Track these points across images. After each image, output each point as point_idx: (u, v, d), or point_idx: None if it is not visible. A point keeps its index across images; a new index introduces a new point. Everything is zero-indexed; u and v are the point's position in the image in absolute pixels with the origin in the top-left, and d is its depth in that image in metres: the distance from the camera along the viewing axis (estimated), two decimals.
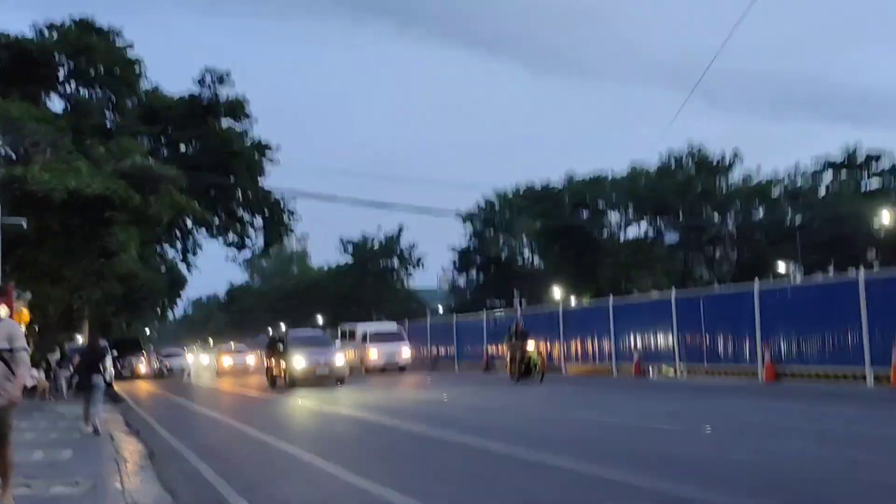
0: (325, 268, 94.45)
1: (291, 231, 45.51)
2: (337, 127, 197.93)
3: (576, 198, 57.58)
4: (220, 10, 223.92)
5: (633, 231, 57.97)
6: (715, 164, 48.50)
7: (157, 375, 37.78)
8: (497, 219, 71.54)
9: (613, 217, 58.00)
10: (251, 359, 49.13)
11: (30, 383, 22.82)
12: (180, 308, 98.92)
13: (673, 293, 23.72)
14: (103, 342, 35.04)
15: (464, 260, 74.68)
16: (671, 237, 55.12)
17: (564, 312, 27.66)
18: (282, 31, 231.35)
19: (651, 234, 55.82)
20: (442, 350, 36.35)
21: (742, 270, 47.94)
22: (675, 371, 22.36)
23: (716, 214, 50.64)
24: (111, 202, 23.46)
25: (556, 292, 61.38)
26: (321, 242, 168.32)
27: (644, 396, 17.85)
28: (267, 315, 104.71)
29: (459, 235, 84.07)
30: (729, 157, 48.81)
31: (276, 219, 44.76)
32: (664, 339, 22.71)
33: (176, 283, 59.50)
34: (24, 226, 23.02)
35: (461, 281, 78.49)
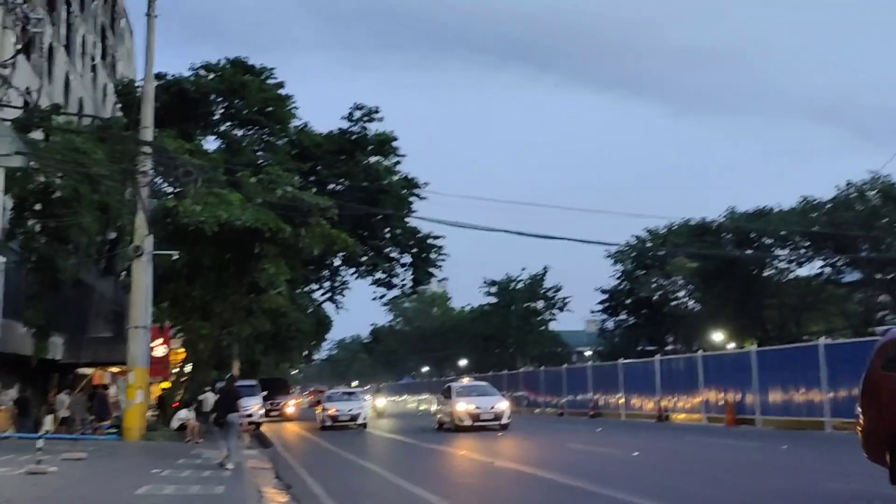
0: (468, 308, 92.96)
1: (440, 268, 43.98)
2: (477, 170, 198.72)
3: (739, 233, 53.38)
4: (364, 63, 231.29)
5: (806, 270, 53.15)
6: None
7: (325, 427, 28.97)
8: (649, 258, 67.86)
9: (781, 254, 53.37)
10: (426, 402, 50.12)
11: (175, 424, 21.88)
12: (324, 349, 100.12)
13: None
14: (252, 382, 34.77)
15: (612, 301, 71.21)
16: (850, 275, 49.94)
17: (758, 355, 24.38)
18: (424, 80, 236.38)
19: (826, 272, 50.90)
20: (601, 398, 33.60)
21: None
22: None
23: None
24: (262, 234, 22.48)
25: (716, 336, 57.04)
26: (462, 284, 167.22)
27: None
28: (411, 356, 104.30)
29: (607, 277, 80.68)
30: None
31: (425, 256, 43.46)
32: None
33: (322, 323, 59.43)
34: (176, 258, 22.34)
35: (609, 324, 74.95)
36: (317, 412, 31.16)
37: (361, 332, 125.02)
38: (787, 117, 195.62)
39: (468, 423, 25.40)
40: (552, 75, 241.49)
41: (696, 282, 61.41)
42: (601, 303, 71.79)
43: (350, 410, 29.53)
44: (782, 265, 53.34)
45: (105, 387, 26.50)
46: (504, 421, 25.62)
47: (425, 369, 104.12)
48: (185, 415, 21.82)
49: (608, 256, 69.45)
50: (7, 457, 15.09)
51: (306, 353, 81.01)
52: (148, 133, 21.73)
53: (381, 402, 48.68)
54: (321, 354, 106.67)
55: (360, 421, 29.23)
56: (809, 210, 49.66)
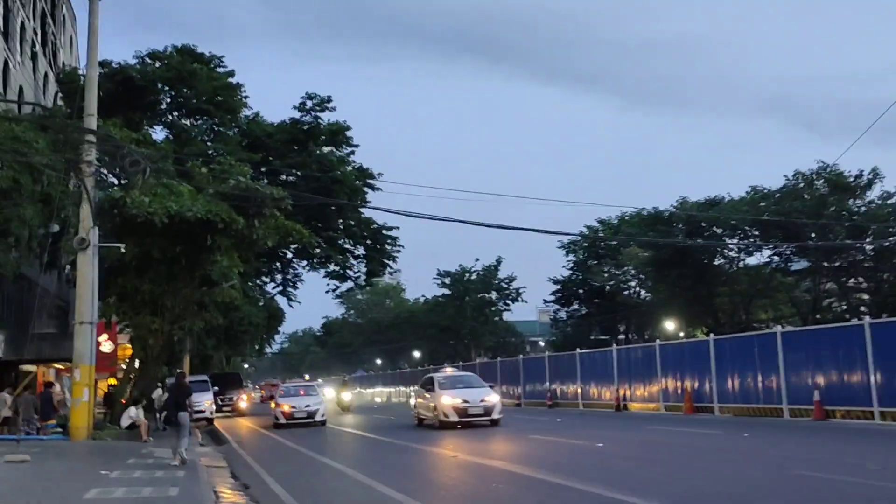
0: (422, 300, 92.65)
1: (395, 260, 43.51)
2: (429, 162, 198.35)
3: (690, 223, 53.90)
4: (314, 54, 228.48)
5: (755, 258, 53.88)
6: (852, 181, 44.41)
7: (279, 425, 26.44)
8: (601, 248, 68.28)
9: (731, 243, 54.02)
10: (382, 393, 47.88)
11: (125, 422, 21.16)
12: (276, 342, 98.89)
13: (867, 319, 20.22)
14: (204, 377, 33.96)
15: (565, 291, 71.51)
16: (798, 264, 50.70)
17: (716, 343, 24.47)
18: (375, 72, 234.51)
19: (775, 260, 51.62)
20: (559, 388, 33.54)
21: (885, 299, 43.39)
22: (874, 414, 18.88)
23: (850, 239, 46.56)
24: (214, 226, 21.80)
25: (669, 325, 57.63)
26: (415, 276, 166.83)
27: (856, 444, 14.73)
28: (364, 349, 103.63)
29: (560, 267, 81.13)
30: (867, 176, 44.65)
31: (379, 248, 42.96)
32: (859, 376, 19.20)
33: (274, 316, 58.58)
34: (123, 251, 21.56)
35: (562, 314, 75.28)
36: (271, 408, 29.12)
37: (314, 324, 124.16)
38: (735, 110, 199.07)
39: (454, 418, 22.48)
40: (504, 67, 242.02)
41: (649, 271, 61.92)
42: (554, 293, 72.08)
43: (307, 406, 27.30)
44: (733, 254, 54.00)
45: (50, 384, 25.52)
46: (495, 416, 22.77)
47: (379, 361, 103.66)
48: (134, 413, 21.09)
49: (561, 247, 69.74)
50: None
51: (258, 346, 79.99)
52: (92, 121, 20.88)
53: (348, 395, 45.68)
54: (273, 348, 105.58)
55: (318, 418, 26.96)
56: (759, 199, 50.33)
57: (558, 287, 71.08)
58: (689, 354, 25.27)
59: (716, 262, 56.50)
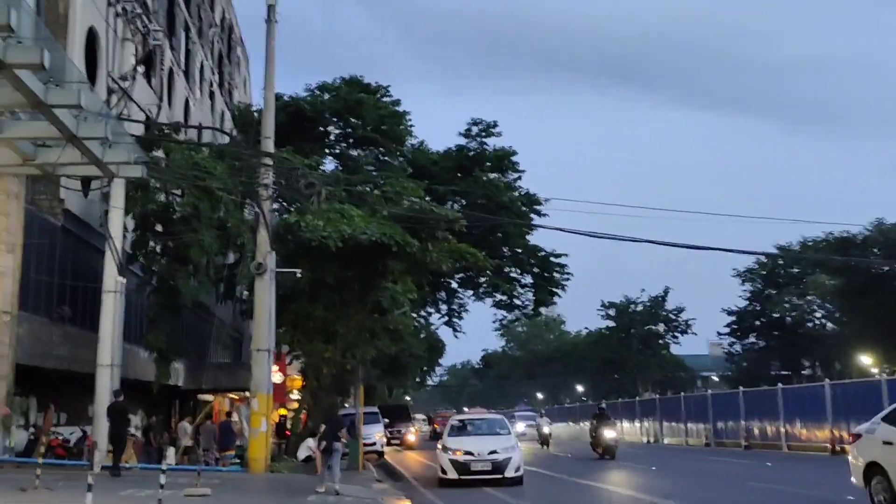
0: (584, 332, 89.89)
1: (564, 288, 41.65)
2: (584, 190, 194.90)
3: (888, 246, 48.94)
4: (465, 89, 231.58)
5: None
6: None
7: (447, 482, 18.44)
8: (781, 276, 63.59)
9: None
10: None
11: (303, 454, 20.41)
12: (435, 375, 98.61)
13: None
14: (373, 408, 33.32)
15: (741, 323, 67.03)
16: None
17: None
18: (526, 104, 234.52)
19: None
20: (756, 426, 30.47)
21: None
22: None
23: None
24: (388, 249, 20.91)
25: (864, 359, 52.38)
26: (574, 307, 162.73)
27: None
28: (523, 382, 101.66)
29: (735, 296, 76.41)
30: None
31: (547, 276, 41.28)
32: None
33: (434, 348, 57.84)
34: (299, 276, 21.01)
35: (737, 347, 70.63)
36: (438, 451, 19.70)
37: (472, 357, 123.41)
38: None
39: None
40: (656, 95, 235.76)
41: (837, 301, 56.93)
42: (728, 325, 67.86)
43: (492, 454, 18.15)
44: None
45: (229, 414, 25.43)
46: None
47: (540, 396, 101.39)
48: (312, 444, 20.29)
49: (736, 275, 65.68)
50: (127, 491, 13.82)
51: (419, 378, 79.75)
52: (269, 144, 20.58)
53: (547, 427, 39.74)
54: (433, 380, 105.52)
55: (511, 472, 17.89)
56: None
57: (733, 318, 66.86)
58: None
59: None
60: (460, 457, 17.98)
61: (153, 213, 22.65)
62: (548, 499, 15.90)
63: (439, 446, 19.32)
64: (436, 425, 51.60)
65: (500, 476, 17.52)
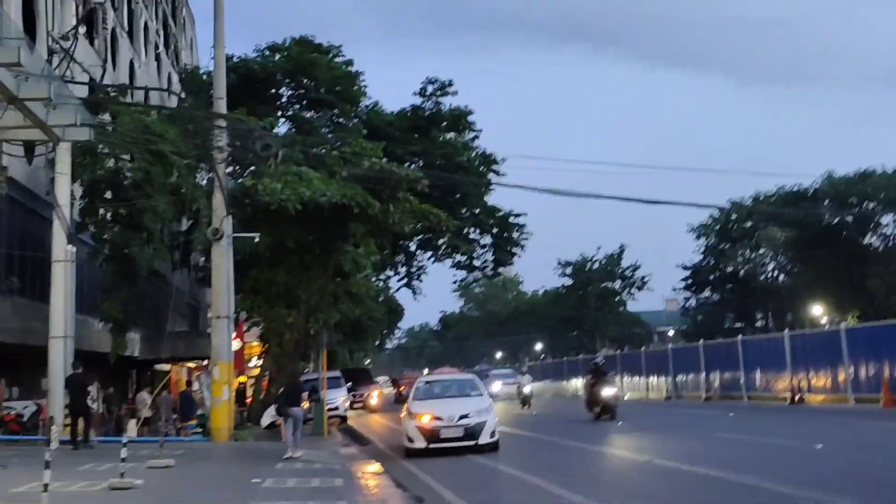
0: (541, 291, 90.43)
1: (523, 248, 41.59)
2: (544, 149, 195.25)
3: (839, 199, 49.67)
4: (419, 51, 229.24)
5: None
6: None
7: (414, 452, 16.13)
8: (735, 230, 64.35)
9: (887, 219, 49.66)
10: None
11: (266, 421, 20.07)
12: (394, 338, 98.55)
13: None
14: (336, 373, 32.99)
15: (696, 278, 67.85)
16: None
17: None
18: (481, 64, 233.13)
19: None
20: (717, 379, 30.86)
21: None
22: None
23: None
24: (349, 211, 20.47)
25: (815, 309, 53.43)
26: (531, 267, 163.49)
27: None
28: (483, 342, 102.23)
29: (689, 253, 77.33)
30: None
31: (506, 236, 41.17)
32: None
33: (393, 311, 57.66)
34: (257, 241, 20.49)
35: (692, 302, 71.60)
36: (401, 417, 17.87)
37: (431, 319, 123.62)
38: (852, 84, 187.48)
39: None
40: (610, 51, 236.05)
41: (790, 253, 57.88)
42: (684, 280, 68.65)
43: (464, 418, 15.87)
44: (889, 230, 49.66)
45: (189, 384, 24.93)
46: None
47: (499, 355, 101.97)
48: (275, 412, 19.93)
49: (691, 230, 66.28)
50: (87, 466, 13.36)
51: (378, 342, 79.59)
52: (221, 105, 19.88)
53: (528, 386, 32.75)
54: (391, 344, 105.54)
55: (485, 438, 15.77)
56: None
57: (688, 274, 67.64)
58: (888, 338, 22.13)
59: (867, 241, 52.21)
60: (428, 423, 15.59)
61: (102, 179, 21.84)
62: (530, 461, 14.74)
63: (404, 412, 17.02)
64: (401, 388, 47.19)
65: (473, 443, 15.38)
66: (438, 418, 15.64)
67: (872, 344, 22.24)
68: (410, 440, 15.73)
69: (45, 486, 7.97)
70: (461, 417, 15.64)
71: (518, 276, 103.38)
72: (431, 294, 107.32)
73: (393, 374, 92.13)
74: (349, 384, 32.90)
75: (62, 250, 17.35)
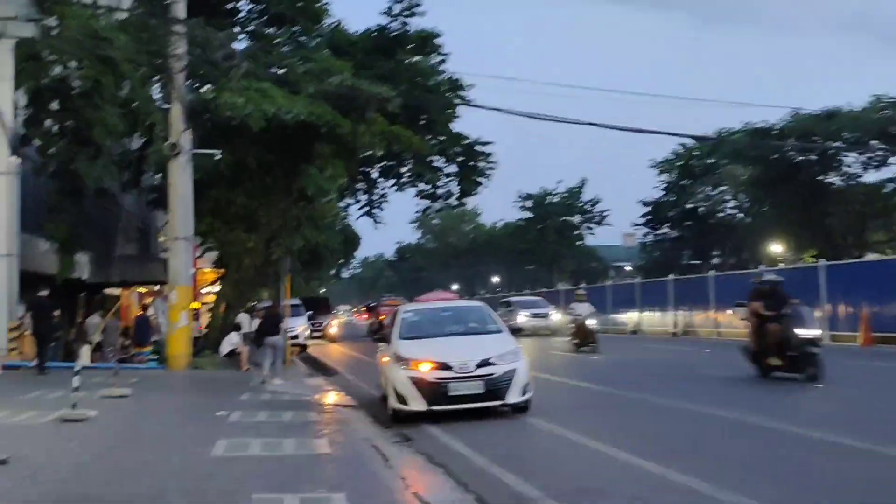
0: (500, 224, 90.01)
1: (488, 177, 40.62)
2: (511, 83, 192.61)
3: (804, 137, 49.38)
4: None
5: (874, 176, 49.35)
6: None
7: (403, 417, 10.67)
8: (697, 168, 64.19)
9: (850, 157, 49.57)
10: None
11: (226, 349, 19.15)
12: (349, 268, 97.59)
13: None
14: (296, 301, 32.02)
15: (656, 214, 67.82)
16: None
17: None
18: None
19: None
20: (685, 316, 30.60)
21: None
22: None
23: None
24: (315, 130, 19.23)
25: (776, 247, 53.76)
26: (491, 200, 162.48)
27: None
28: (440, 274, 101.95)
29: (648, 189, 77.17)
30: None
31: (472, 165, 40.12)
32: None
33: (349, 241, 56.64)
34: (219, 158, 19.21)
35: (650, 238, 71.80)
36: (381, 363, 12.41)
37: (386, 250, 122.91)
38: (815, 28, 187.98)
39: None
40: None
41: (751, 191, 57.91)
42: (643, 216, 68.61)
43: (483, 364, 10.53)
44: (851, 170, 49.66)
45: (145, 308, 23.78)
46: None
47: (455, 287, 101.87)
48: (235, 339, 19.03)
49: (653, 167, 65.97)
50: (34, 393, 12.35)
51: (334, 271, 78.65)
52: (179, 9, 18.32)
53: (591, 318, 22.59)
54: (346, 273, 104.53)
55: (516, 395, 10.56)
56: (881, 108, 45.78)
57: (648, 210, 67.56)
58: (868, 276, 21.73)
59: (829, 180, 52.27)
60: (429, 374, 10.34)
61: (48, 88, 20.19)
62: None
63: (387, 356, 11.45)
64: (381, 317, 36.81)
65: (498, 404, 10.39)
66: (444, 366, 10.33)
67: (851, 282, 21.95)
68: (400, 399, 10.42)
69: None
70: (480, 364, 10.35)
71: (476, 208, 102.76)
72: (388, 225, 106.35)
73: (351, 304, 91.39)
74: (309, 313, 32.01)
75: (5, 161, 15.92)
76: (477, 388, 10.20)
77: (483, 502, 6.15)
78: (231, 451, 7.83)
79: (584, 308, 22.58)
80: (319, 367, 21.68)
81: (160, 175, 23.20)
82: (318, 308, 38.18)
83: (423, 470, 7.49)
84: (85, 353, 18.07)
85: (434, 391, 10.19)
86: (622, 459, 7.49)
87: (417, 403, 10.23)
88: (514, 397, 10.36)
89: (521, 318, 34.44)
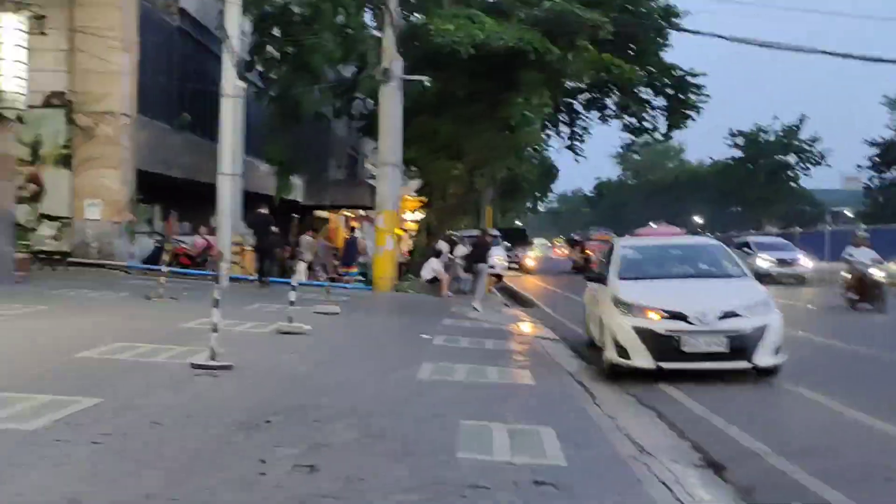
0: (706, 162, 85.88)
1: (699, 111, 38.43)
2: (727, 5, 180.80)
3: None
4: None
5: None
6: None
7: (621, 371, 8.95)
8: None
9: None
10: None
11: (427, 275, 19.52)
12: (545, 202, 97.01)
13: None
14: (494, 232, 32.22)
15: (885, 156, 61.92)
16: None
17: None
18: None
19: None
20: None
21: None
22: None
23: None
24: (524, 57, 18.81)
25: None
26: (699, 136, 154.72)
27: None
28: (637, 211, 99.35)
29: (879, 128, 70.52)
30: None
31: (682, 98, 38.04)
32: None
33: (547, 173, 56.00)
34: (427, 84, 19.27)
35: (875, 182, 65.77)
36: (590, 305, 11.05)
37: (583, 185, 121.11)
38: None
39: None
40: None
41: None
42: (870, 158, 62.89)
43: (727, 317, 8.64)
44: None
45: (353, 230, 24.80)
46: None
47: (653, 225, 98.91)
48: (437, 265, 19.35)
49: (886, 103, 60.16)
50: (254, 305, 13.13)
51: (530, 204, 78.47)
52: None
53: (875, 267, 17.56)
54: (541, 208, 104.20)
55: (767, 356, 8.59)
56: None
57: (876, 150, 61.82)
58: None
59: None
60: (659, 323, 8.56)
61: (271, 15, 21.12)
62: None
63: (605, 299, 9.49)
64: (587, 252, 35.10)
65: (745, 364, 8.54)
66: (678, 316, 8.53)
67: None
68: (621, 351, 8.68)
69: (215, 326, 7.39)
70: (723, 316, 8.54)
71: (681, 144, 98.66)
72: (588, 159, 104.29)
73: (550, 237, 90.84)
74: (507, 245, 32.09)
75: (231, 85, 16.82)
76: (719, 344, 8.40)
77: (701, 450, 5.76)
78: (436, 374, 7.87)
79: (864, 254, 17.72)
80: (517, 299, 21.70)
81: (371, 102, 23.77)
82: (516, 239, 38.23)
83: (632, 411, 7.18)
84: (301, 269, 19.06)
85: (664, 345, 8.42)
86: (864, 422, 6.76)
87: (642, 358, 8.50)
88: (764, 359, 8.45)
89: (762, 262, 29.18)
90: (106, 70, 17.31)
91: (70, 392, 5.92)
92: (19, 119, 14.32)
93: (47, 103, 17.59)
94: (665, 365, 8.43)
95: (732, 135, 72.76)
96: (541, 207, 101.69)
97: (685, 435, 6.21)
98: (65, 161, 17.88)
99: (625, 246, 10.79)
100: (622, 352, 8.65)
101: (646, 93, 38.91)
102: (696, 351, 8.39)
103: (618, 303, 9.00)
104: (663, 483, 4.78)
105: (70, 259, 17.75)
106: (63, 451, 4.51)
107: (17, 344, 8.08)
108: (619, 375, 8.75)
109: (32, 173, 17.45)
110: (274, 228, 18.16)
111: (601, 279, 10.12)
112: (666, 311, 8.58)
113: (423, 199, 26.96)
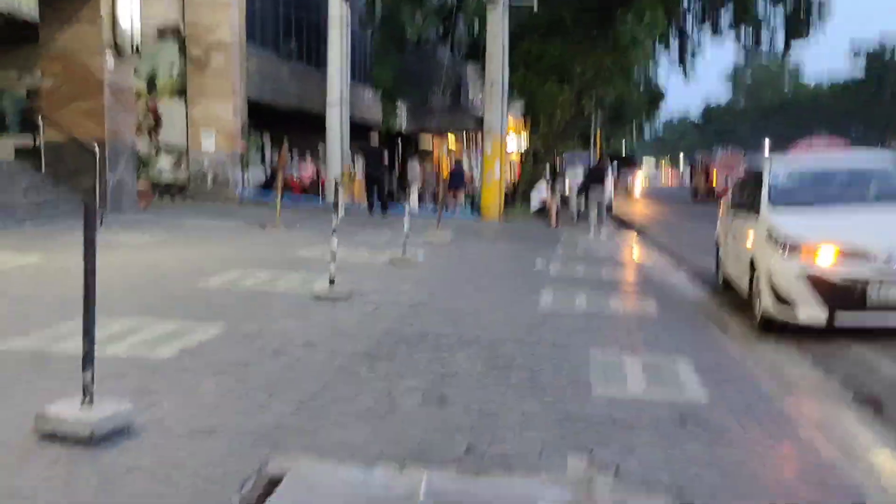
0: (824, 84, 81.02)
1: (822, 20, 35.99)
2: None
3: None
4: None
5: None
6: None
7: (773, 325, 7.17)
8: None
9: None
10: None
11: (535, 202, 19.17)
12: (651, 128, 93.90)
13: None
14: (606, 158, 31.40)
15: None
16: None
17: None
18: None
19: None
20: None
21: None
22: None
23: None
24: None
25: None
26: (815, 56, 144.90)
27: None
28: (748, 135, 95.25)
29: None
30: None
31: (803, 8, 35.66)
32: None
33: (654, 98, 53.98)
34: (535, 10, 18.55)
35: None
36: (724, 238, 9.54)
37: (690, 112, 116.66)
38: None
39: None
40: None
41: None
42: None
43: None
44: None
45: (458, 162, 24.59)
46: None
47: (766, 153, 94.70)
48: (545, 192, 18.93)
49: None
50: (365, 234, 13.14)
51: (635, 130, 76.27)
52: None
53: None
54: (647, 135, 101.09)
55: None
56: None
57: None
58: None
59: None
60: (835, 266, 6.67)
61: None
62: None
63: (750, 232, 7.84)
64: (712, 176, 31.35)
65: None
66: (860, 254, 6.66)
67: None
68: (782, 299, 6.84)
69: (334, 255, 7.36)
70: None
71: (798, 63, 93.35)
72: (697, 82, 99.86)
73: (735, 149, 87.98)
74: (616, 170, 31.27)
75: (337, 10, 16.59)
76: None
77: (853, 387, 5.35)
78: (556, 304, 7.64)
79: None
80: (627, 225, 21.12)
81: (476, 28, 23.19)
82: (626, 164, 37.26)
83: (769, 344, 6.75)
84: (414, 199, 19.02)
85: (843, 294, 6.54)
86: None
87: (812, 309, 6.64)
88: None
89: None
90: (215, 1, 17.36)
91: (194, 319, 5.98)
92: (136, 52, 14.53)
93: (161, 35, 17.83)
94: (843, 318, 6.62)
95: (855, 54, 68.31)
96: (646, 135, 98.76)
97: (832, 369, 5.80)
98: (179, 92, 18.19)
99: (780, 163, 8.56)
100: (783, 300, 6.80)
101: (763, 3, 36.76)
102: (886, 300, 6.49)
103: (777, 238, 7.05)
104: (816, 423, 4.44)
105: (187, 189, 18.21)
106: (192, 380, 4.51)
107: (142, 273, 8.26)
108: (778, 331, 6.89)
109: (150, 105, 17.84)
110: (384, 157, 18.10)
111: (748, 207, 8.25)
112: (845, 250, 6.67)
113: (528, 124, 26.39)
